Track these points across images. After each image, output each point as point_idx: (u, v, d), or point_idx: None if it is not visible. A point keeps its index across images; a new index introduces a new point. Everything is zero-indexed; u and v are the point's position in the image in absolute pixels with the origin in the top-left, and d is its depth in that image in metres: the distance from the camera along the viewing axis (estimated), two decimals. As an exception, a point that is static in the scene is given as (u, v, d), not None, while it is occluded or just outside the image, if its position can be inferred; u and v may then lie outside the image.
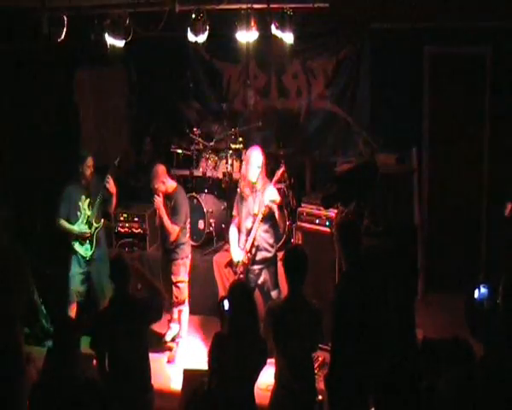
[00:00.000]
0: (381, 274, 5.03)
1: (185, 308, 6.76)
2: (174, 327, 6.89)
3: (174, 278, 6.65)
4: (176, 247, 6.66)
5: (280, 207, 6.46)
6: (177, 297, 6.66)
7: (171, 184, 6.69)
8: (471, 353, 3.79)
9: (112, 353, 4.78)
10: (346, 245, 4.81)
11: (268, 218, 6.36)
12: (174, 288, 6.65)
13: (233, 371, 4.31)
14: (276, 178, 6.52)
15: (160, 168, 6.63)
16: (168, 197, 6.65)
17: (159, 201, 6.57)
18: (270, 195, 6.25)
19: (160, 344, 6.84)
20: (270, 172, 7.28)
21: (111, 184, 6.70)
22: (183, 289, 6.69)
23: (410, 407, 3.48)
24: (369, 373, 4.35)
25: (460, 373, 3.63)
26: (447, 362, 3.74)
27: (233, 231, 6.65)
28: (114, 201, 6.86)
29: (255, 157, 6.37)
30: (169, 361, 6.68)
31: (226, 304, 4.54)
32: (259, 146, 6.61)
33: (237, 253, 6.49)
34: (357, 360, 4.56)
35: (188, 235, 6.82)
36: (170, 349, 6.81)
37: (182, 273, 6.70)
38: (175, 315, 6.84)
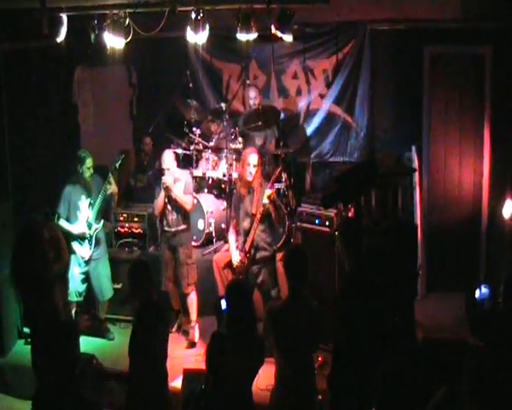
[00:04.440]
0: (380, 274, 5.02)
1: (193, 292, 6.89)
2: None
3: (190, 260, 6.84)
4: (187, 227, 6.82)
5: (277, 206, 6.48)
6: (193, 278, 6.84)
7: (179, 170, 6.93)
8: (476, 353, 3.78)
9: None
10: (349, 244, 4.79)
11: (266, 217, 6.41)
12: (188, 269, 6.80)
13: (231, 371, 4.30)
14: (273, 177, 6.60)
15: (173, 153, 6.92)
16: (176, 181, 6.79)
17: (169, 179, 6.65)
18: (266, 193, 6.32)
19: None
20: (270, 172, 7.30)
21: (113, 186, 6.75)
22: (195, 270, 6.88)
23: (412, 407, 3.48)
24: (371, 373, 4.34)
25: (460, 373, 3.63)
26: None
27: (232, 232, 6.69)
28: (117, 199, 6.95)
29: (251, 157, 6.49)
30: (188, 347, 6.80)
31: (223, 303, 4.53)
32: (254, 147, 6.72)
33: (236, 254, 6.53)
34: (360, 359, 4.55)
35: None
36: (187, 334, 6.96)
37: (193, 255, 6.97)
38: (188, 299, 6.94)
